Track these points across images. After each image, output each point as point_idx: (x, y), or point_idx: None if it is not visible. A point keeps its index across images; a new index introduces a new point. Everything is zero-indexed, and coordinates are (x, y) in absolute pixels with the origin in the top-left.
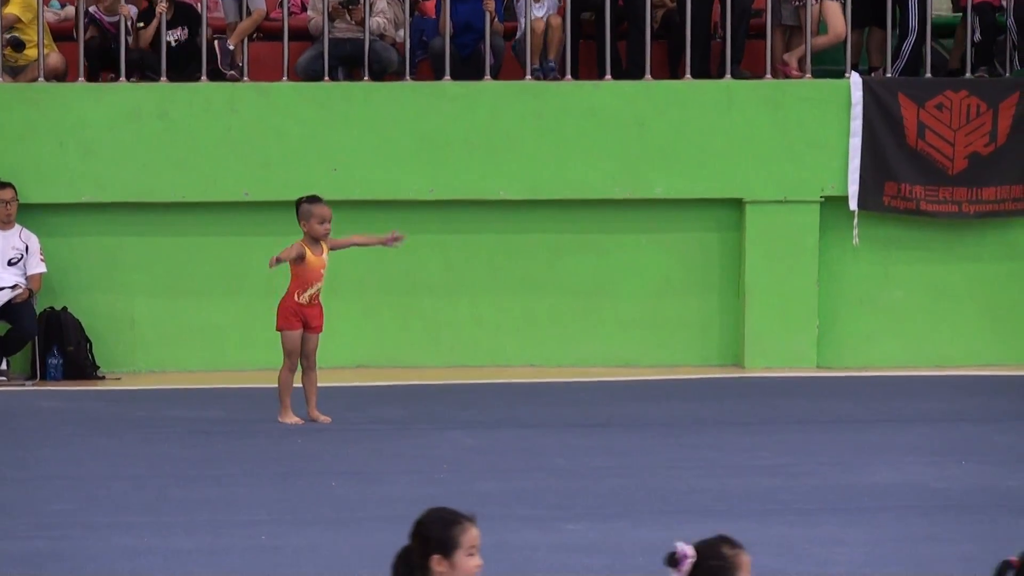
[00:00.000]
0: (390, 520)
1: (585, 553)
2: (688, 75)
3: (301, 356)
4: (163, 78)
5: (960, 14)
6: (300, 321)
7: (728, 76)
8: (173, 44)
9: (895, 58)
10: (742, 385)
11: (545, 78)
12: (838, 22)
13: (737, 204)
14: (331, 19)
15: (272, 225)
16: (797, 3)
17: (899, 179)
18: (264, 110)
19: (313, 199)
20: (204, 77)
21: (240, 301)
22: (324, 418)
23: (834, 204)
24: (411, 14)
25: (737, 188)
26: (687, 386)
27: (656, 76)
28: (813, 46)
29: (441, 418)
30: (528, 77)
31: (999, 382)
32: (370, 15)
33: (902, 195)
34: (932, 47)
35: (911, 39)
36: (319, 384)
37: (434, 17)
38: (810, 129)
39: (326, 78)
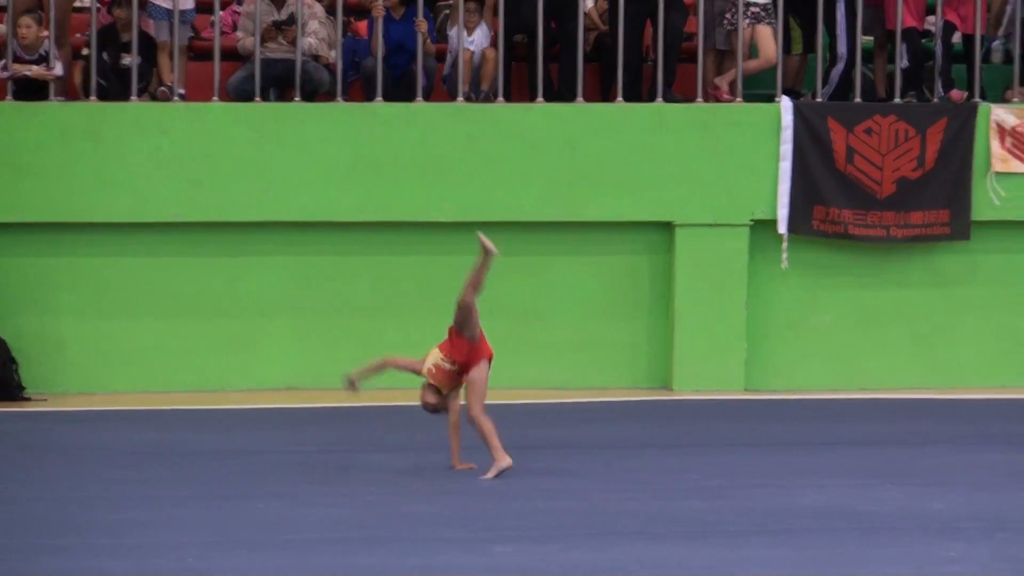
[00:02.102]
0: (318, 543)
1: (514, 575)
2: (620, 98)
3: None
4: (93, 98)
5: (873, 39)
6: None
7: (659, 99)
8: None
9: (824, 83)
10: (670, 407)
11: (477, 100)
12: (769, 46)
13: (667, 227)
14: (263, 40)
15: (202, 246)
16: (729, 27)
17: (828, 203)
18: (195, 131)
19: None
20: (135, 97)
21: (170, 323)
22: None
23: (763, 228)
24: (343, 35)
25: (667, 211)
26: (616, 409)
27: (588, 99)
28: (744, 70)
29: (370, 440)
30: (460, 99)
31: (925, 406)
32: (302, 35)
33: (831, 219)
34: (861, 72)
35: (840, 66)
36: None
37: (366, 38)
38: (740, 153)
39: (258, 98)
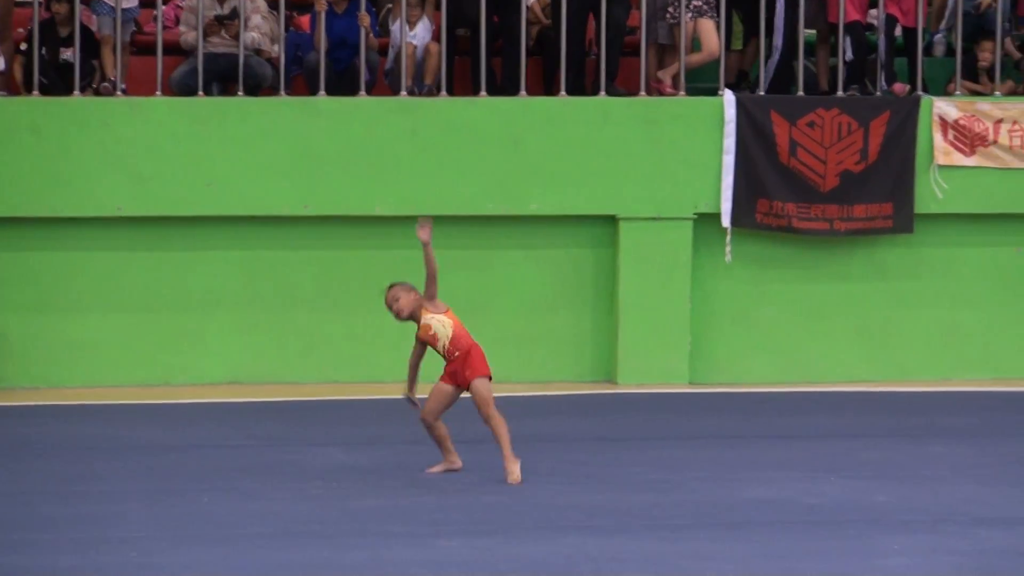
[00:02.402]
0: (263, 537)
1: (459, 569)
2: (563, 92)
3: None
4: (35, 92)
5: (815, 32)
6: (449, 377)
7: (603, 93)
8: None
9: (766, 75)
10: (615, 401)
11: (420, 94)
12: (712, 40)
13: (611, 221)
14: (206, 34)
15: (145, 240)
16: (671, 21)
17: (771, 196)
18: (138, 125)
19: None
20: (77, 92)
21: (115, 317)
22: (515, 477)
23: (707, 221)
24: (286, 29)
25: (611, 205)
26: (560, 402)
27: (531, 93)
28: (687, 64)
29: (315, 434)
30: (403, 93)
31: (869, 399)
32: (245, 30)
33: (774, 212)
34: (804, 65)
35: (775, 58)
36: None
37: (309, 32)
38: (684, 146)
39: (200, 93)
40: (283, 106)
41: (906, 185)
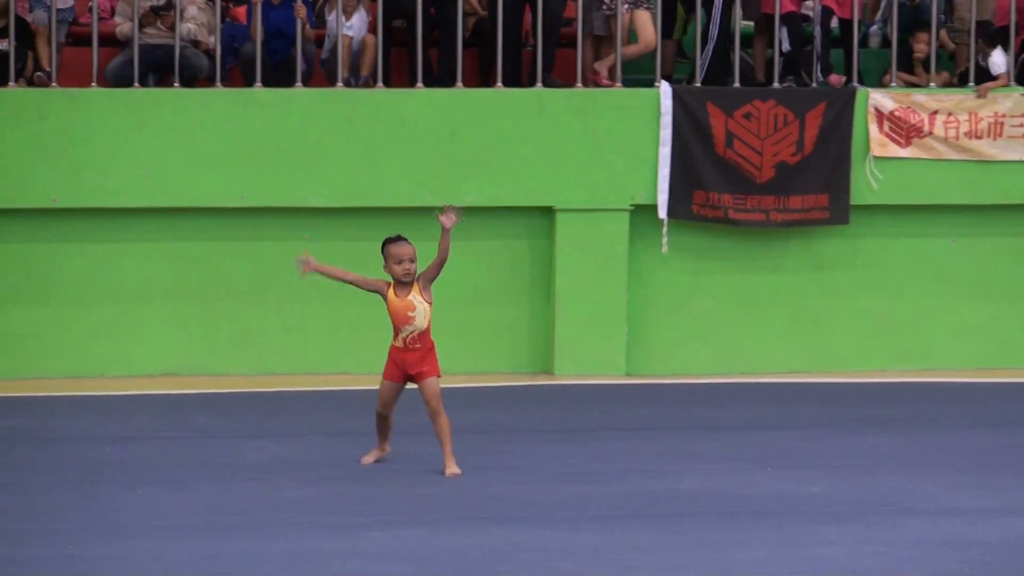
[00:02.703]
0: (195, 528)
1: (388, 561)
2: (499, 83)
3: (423, 402)
4: None
5: (752, 24)
6: (397, 368)
7: (539, 84)
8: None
9: (702, 67)
10: (551, 392)
11: (357, 86)
12: (648, 31)
13: (548, 212)
14: (141, 25)
15: (81, 232)
16: (607, 12)
17: (708, 188)
18: (74, 116)
19: (392, 239)
20: (12, 83)
21: (49, 309)
22: (454, 470)
23: (644, 212)
24: (222, 20)
25: (548, 196)
26: (497, 393)
27: (467, 84)
28: (623, 55)
29: (249, 426)
30: (339, 84)
31: (803, 390)
32: (181, 21)
33: (711, 203)
34: (741, 57)
35: (710, 47)
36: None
37: (245, 23)
38: (620, 138)
39: (136, 84)
40: (219, 97)
41: (842, 176)
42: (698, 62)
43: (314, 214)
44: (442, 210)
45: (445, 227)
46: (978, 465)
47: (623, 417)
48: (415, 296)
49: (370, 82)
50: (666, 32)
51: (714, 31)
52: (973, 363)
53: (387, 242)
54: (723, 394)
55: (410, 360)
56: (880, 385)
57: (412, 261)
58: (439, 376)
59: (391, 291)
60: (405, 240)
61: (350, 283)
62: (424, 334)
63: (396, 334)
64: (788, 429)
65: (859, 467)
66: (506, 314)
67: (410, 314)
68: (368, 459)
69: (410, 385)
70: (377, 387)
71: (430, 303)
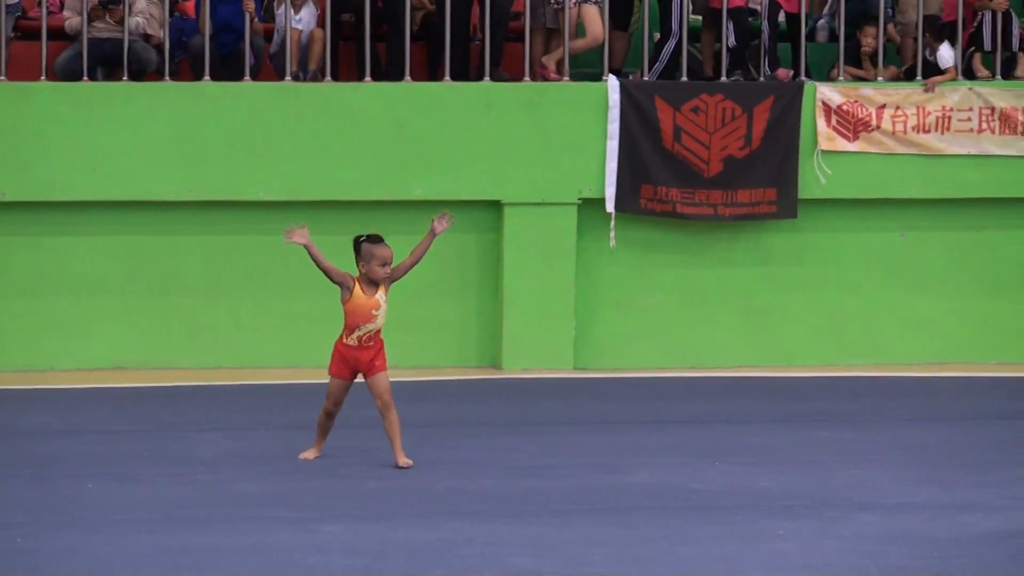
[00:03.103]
0: (147, 522)
1: (343, 554)
2: (447, 77)
3: (374, 397)
4: None
5: (700, 18)
6: (347, 366)
7: (487, 78)
8: None
9: (654, 61)
10: (500, 386)
11: (305, 79)
12: (596, 25)
13: (496, 206)
14: (90, 19)
15: (30, 226)
16: (556, 6)
17: (656, 182)
18: (22, 110)
19: (374, 239)
20: None
21: None
22: (405, 461)
23: (591, 206)
24: (171, 14)
25: (496, 190)
26: (445, 387)
27: (415, 78)
28: (571, 49)
29: (200, 419)
30: (288, 78)
31: (753, 384)
32: (129, 15)
33: (658, 198)
34: (688, 51)
35: (672, 42)
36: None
37: (194, 17)
38: (568, 132)
39: (85, 78)
40: (168, 91)
41: (790, 170)
42: (644, 57)
43: (263, 207)
44: (438, 215)
45: (436, 232)
46: (930, 460)
47: (572, 411)
48: (381, 295)
49: (318, 76)
50: (621, 25)
51: (676, 25)
52: (924, 358)
53: (369, 241)
54: (672, 388)
55: (363, 359)
56: (830, 379)
57: (385, 261)
58: (386, 371)
59: (357, 287)
60: (385, 241)
61: (323, 269)
62: (378, 332)
63: (350, 332)
64: (738, 423)
65: (811, 462)
66: (454, 308)
67: (374, 312)
68: (308, 455)
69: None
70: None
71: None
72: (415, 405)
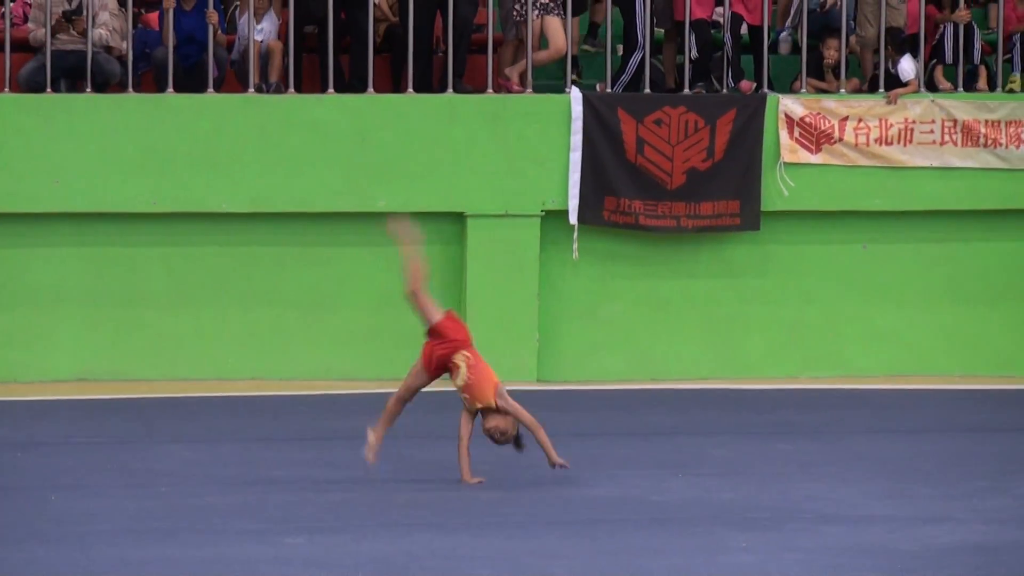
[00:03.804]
0: (110, 534)
1: (306, 566)
2: (411, 89)
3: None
4: None
5: (663, 30)
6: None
7: (450, 90)
8: None
9: (620, 73)
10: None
11: (268, 91)
12: (559, 38)
13: (459, 217)
14: (54, 31)
15: None
16: (518, 19)
17: (619, 194)
18: None
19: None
20: None
21: None
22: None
23: (555, 218)
24: (134, 26)
25: (459, 202)
26: None
27: (379, 90)
28: (534, 61)
29: (163, 431)
30: (251, 90)
31: (715, 395)
32: (93, 27)
33: (621, 210)
34: (651, 63)
35: (638, 55)
36: None
37: (157, 29)
38: (531, 144)
39: (48, 90)
40: (131, 102)
41: (752, 183)
42: (609, 69)
43: (226, 219)
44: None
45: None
46: (892, 472)
47: None
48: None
49: (281, 88)
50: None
51: (641, 38)
52: (885, 370)
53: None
54: (635, 400)
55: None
56: (792, 391)
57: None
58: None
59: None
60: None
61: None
62: (470, 392)
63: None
64: (700, 435)
65: (773, 474)
66: (417, 320)
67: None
68: (370, 453)
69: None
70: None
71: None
72: (378, 416)
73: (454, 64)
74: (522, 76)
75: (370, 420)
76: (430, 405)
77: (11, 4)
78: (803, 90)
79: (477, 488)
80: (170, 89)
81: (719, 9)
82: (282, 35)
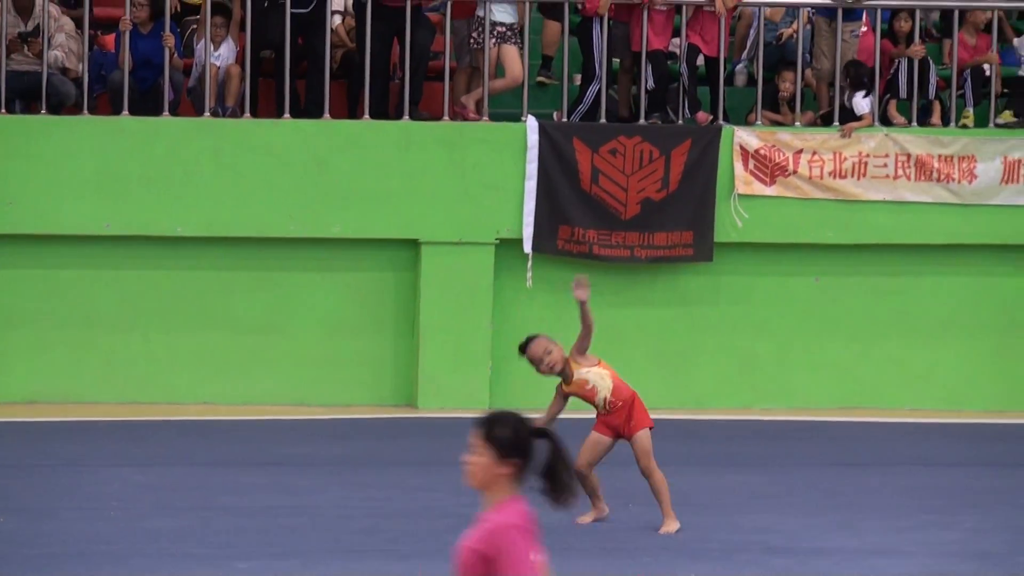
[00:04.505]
0: (60, 557)
1: None
2: (367, 115)
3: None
4: None
5: (619, 60)
6: (604, 426)
7: (406, 117)
8: None
9: (577, 103)
10: (415, 425)
11: (224, 115)
12: (516, 66)
13: (413, 245)
14: (8, 51)
15: None
16: (475, 46)
17: (573, 223)
18: None
19: (524, 344)
20: None
21: None
22: (671, 524)
23: (509, 246)
24: (90, 48)
25: (413, 229)
26: (360, 425)
27: (335, 116)
28: (491, 89)
29: (112, 455)
30: (207, 114)
31: (666, 426)
32: (49, 48)
33: (575, 239)
34: (608, 93)
35: (595, 85)
36: None
37: (113, 51)
38: (486, 171)
39: (3, 110)
40: (86, 125)
41: (706, 214)
42: (565, 98)
43: (180, 243)
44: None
45: (581, 300)
46: (841, 505)
47: None
48: (579, 372)
49: (237, 112)
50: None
51: (598, 68)
52: (835, 402)
53: (521, 350)
54: (585, 429)
55: (613, 422)
56: (743, 422)
57: (540, 360)
58: (650, 427)
59: (561, 383)
60: (531, 340)
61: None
62: (617, 391)
63: (596, 408)
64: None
65: (723, 505)
66: (370, 346)
67: (590, 387)
68: (586, 519)
69: (291, 415)
70: (246, 417)
71: (597, 363)
72: (330, 443)
73: (410, 91)
74: (478, 104)
75: (320, 445)
76: (383, 432)
77: None
78: (758, 122)
79: (429, 516)
80: (125, 112)
81: (676, 40)
82: (239, 59)
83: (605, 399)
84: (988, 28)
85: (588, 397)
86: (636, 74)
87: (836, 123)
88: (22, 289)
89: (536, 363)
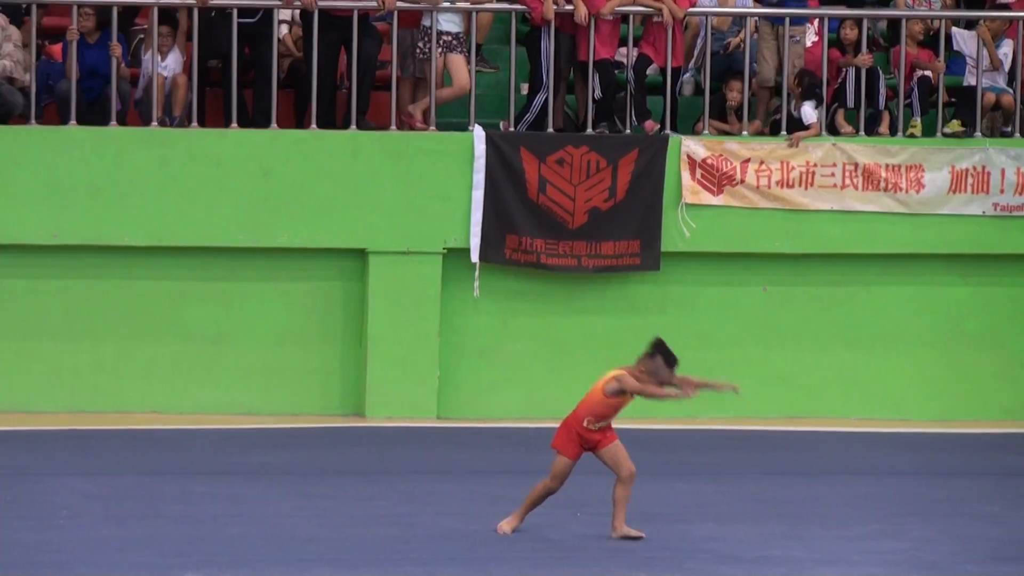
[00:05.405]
0: (6, 565)
1: None
2: (314, 125)
3: (616, 468)
4: None
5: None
6: (580, 447)
7: (353, 127)
8: None
9: (525, 112)
10: (363, 434)
11: (171, 125)
12: (462, 75)
13: (360, 254)
14: None
15: None
16: (422, 56)
17: (520, 232)
18: None
19: (673, 361)
20: None
21: None
22: (633, 532)
23: (456, 256)
24: (38, 57)
25: (361, 238)
26: (308, 435)
27: (282, 125)
28: (437, 98)
29: (60, 464)
30: (154, 123)
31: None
32: None
33: (523, 248)
34: (553, 103)
35: (543, 95)
36: None
37: (61, 61)
38: (434, 181)
39: None
40: (33, 135)
41: (654, 223)
42: (512, 108)
43: (127, 252)
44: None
45: (685, 395)
46: (788, 514)
47: (434, 460)
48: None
49: (184, 122)
50: None
51: (546, 77)
52: (783, 412)
53: (669, 364)
54: (533, 438)
55: (595, 438)
56: (691, 432)
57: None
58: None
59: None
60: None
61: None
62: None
63: (597, 419)
64: (599, 475)
65: (670, 515)
66: (318, 356)
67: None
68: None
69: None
70: (194, 426)
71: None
72: (276, 452)
73: (358, 101)
74: (425, 114)
75: (267, 454)
76: (331, 441)
77: None
78: (705, 132)
79: (376, 524)
80: (72, 122)
81: (623, 49)
82: (186, 69)
83: (608, 422)
84: (928, 39)
85: (612, 413)
86: (583, 83)
87: (784, 133)
88: None
89: (655, 371)
